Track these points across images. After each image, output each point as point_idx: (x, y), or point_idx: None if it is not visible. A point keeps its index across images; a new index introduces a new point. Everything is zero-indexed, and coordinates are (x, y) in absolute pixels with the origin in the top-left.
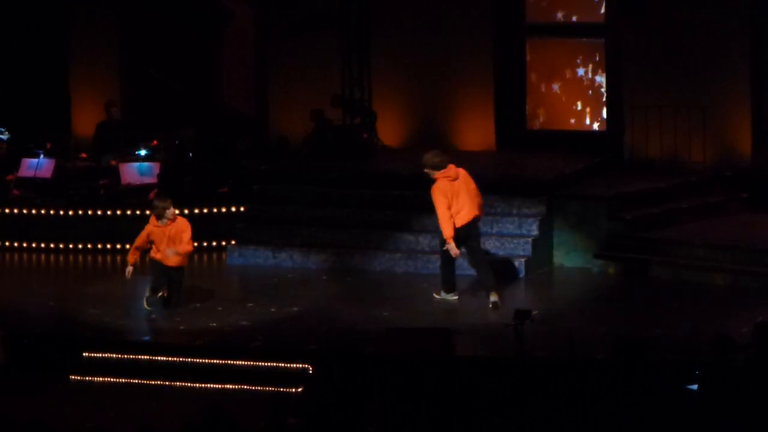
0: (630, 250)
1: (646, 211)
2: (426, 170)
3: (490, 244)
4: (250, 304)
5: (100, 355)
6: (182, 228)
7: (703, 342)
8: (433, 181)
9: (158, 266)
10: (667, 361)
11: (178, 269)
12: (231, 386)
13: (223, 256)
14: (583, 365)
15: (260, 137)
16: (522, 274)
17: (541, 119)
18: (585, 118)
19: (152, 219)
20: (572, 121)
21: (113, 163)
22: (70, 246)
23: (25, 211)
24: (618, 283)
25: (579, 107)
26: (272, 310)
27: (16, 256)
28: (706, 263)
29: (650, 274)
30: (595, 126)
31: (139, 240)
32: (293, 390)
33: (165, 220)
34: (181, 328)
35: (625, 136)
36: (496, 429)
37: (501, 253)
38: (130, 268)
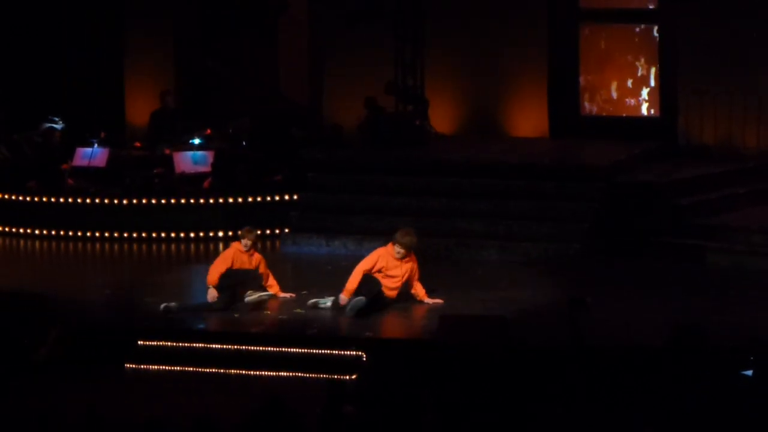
0: (686, 236)
1: (702, 197)
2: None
3: (545, 231)
4: (305, 292)
5: (156, 343)
6: (261, 261)
7: (761, 328)
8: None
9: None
10: (724, 347)
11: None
12: (286, 374)
13: (277, 244)
14: (640, 353)
15: (314, 125)
16: (577, 261)
17: (595, 105)
18: (639, 104)
19: (237, 244)
20: (626, 107)
21: (167, 152)
22: (125, 235)
23: (79, 201)
24: (674, 269)
25: (633, 93)
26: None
27: (71, 245)
28: (763, 249)
29: (707, 260)
30: (650, 112)
31: (223, 264)
32: (348, 377)
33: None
34: (236, 315)
35: (680, 122)
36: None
37: (556, 240)
38: (214, 293)
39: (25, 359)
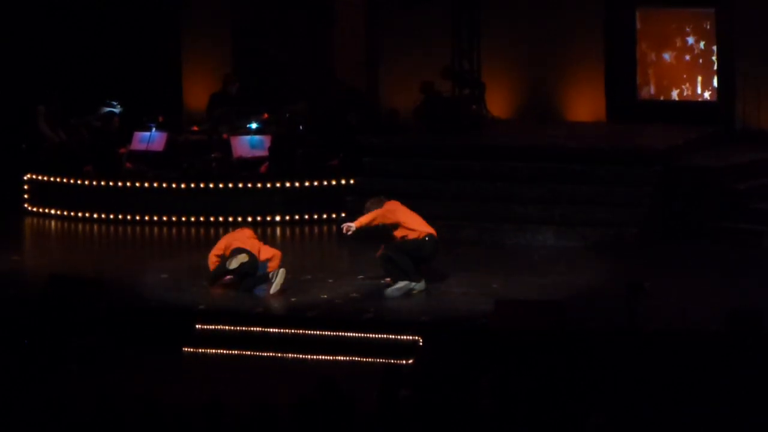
0: (743, 221)
1: (760, 182)
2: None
3: (601, 215)
4: (361, 277)
5: (213, 327)
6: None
7: None
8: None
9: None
10: None
11: None
12: (342, 358)
13: (334, 228)
14: (697, 338)
15: (371, 110)
16: (633, 246)
17: (652, 90)
18: (696, 89)
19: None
20: (683, 91)
21: (225, 136)
22: (182, 219)
23: (137, 185)
24: (730, 254)
25: (690, 77)
26: (383, 282)
27: (128, 229)
28: None
29: (764, 245)
30: (707, 96)
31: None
32: (404, 362)
33: None
34: (293, 300)
35: (737, 106)
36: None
37: (613, 224)
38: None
39: (77, 344)
